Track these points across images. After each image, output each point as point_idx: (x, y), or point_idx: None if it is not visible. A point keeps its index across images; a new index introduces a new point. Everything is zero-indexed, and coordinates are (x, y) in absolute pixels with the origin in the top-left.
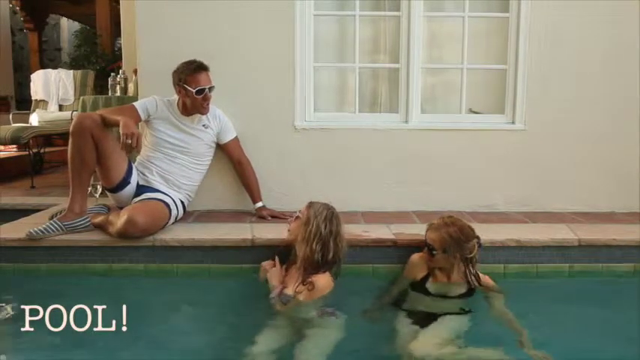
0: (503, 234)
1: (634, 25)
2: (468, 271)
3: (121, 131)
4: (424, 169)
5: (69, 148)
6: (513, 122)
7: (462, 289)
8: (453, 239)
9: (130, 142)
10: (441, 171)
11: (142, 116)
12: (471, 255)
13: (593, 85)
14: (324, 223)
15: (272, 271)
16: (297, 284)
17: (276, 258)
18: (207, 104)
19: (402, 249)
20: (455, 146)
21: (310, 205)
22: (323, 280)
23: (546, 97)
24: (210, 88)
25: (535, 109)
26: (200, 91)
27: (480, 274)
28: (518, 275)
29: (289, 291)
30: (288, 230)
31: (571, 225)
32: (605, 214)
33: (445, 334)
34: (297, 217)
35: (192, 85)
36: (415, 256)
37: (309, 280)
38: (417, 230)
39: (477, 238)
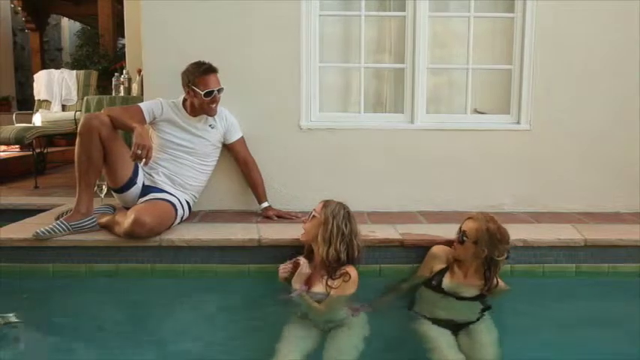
0: (510, 234)
1: (638, 25)
2: (487, 275)
3: (134, 140)
4: (429, 170)
5: (76, 148)
6: (518, 122)
7: (474, 292)
8: (490, 234)
9: (140, 152)
10: (447, 171)
11: (147, 119)
12: (498, 258)
13: (598, 85)
14: (343, 222)
15: (302, 274)
16: (325, 280)
17: (302, 258)
18: (216, 106)
19: (409, 249)
20: (460, 146)
21: (326, 204)
22: (354, 272)
23: (551, 97)
24: (219, 90)
25: (540, 109)
26: (209, 94)
27: (499, 281)
28: (524, 275)
29: (319, 289)
30: (304, 229)
31: (577, 225)
32: (610, 214)
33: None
34: (314, 217)
35: (200, 87)
36: (437, 247)
37: (343, 271)
38: (424, 230)
39: (509, 249)
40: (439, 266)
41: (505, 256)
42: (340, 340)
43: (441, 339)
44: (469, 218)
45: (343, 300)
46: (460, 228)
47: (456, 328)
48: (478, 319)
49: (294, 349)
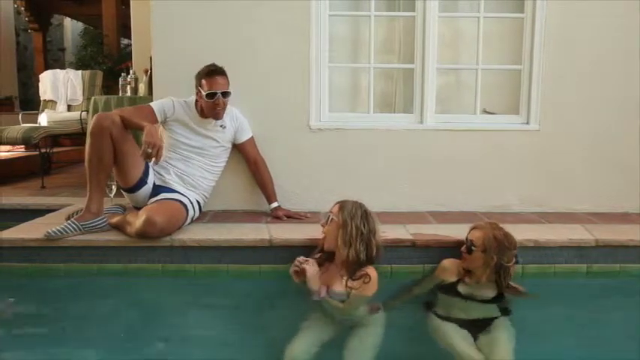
0: (520, 234)
1: None
2: (498, 281)
3: (144, 139)
4: (438, 170)
5: (87, 148)
6: (528, 123)
7: (492, 293)
8: (497, 241)
9: (150, 151)
10: (455, 171)
11: (159, 118)
12: (508, 264)
13: (608, 86)
14: (361, 222)
15: (312, 278)
16: (345, 281)
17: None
18: (220, 110)
19: (420, 249)
20: (469, 147)
21: (342, 205)
22: (374, 273)
23: (561, 97)
24: (225, 94)
25: (549, 109)
26: (211, 95)
27: (512, 284)
28: (535, 276)
29: (338, 288)
30: (323, 233)
31: (586, 225)
32: (618, 215)
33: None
34: (332, 220)
35: (204, 87)
36: (446, 261)
37: (363, 272)
38: (434, 230)
39: (517, 254)
40: (451, 279)
41: (514, 261)
42: (360, 339)
43: (460, 338)
44: (474, 228)
45: (365, 300)
46: (467, 238)
47: (475, 327)
48: (496, 318)
49: (307, 341)
